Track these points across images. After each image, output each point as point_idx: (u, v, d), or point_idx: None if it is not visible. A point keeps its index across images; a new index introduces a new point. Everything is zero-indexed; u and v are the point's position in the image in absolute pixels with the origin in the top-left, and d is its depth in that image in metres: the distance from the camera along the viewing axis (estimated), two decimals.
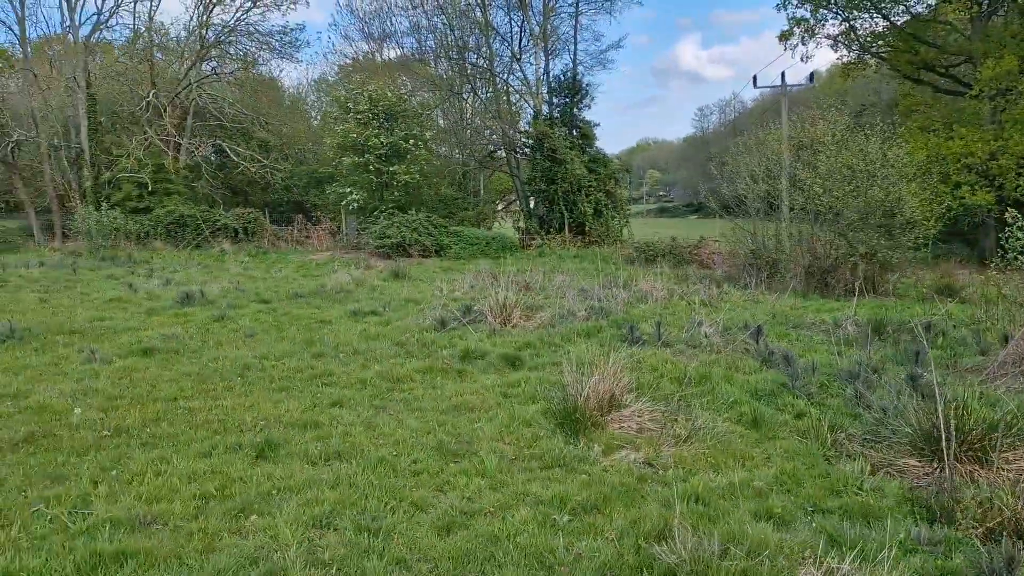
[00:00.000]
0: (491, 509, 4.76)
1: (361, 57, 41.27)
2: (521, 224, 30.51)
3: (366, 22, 40.15)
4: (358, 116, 27.75)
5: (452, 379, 8.26)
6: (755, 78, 40.44)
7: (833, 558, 3.77)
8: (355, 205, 28.39)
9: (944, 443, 5.16)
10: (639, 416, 6.40)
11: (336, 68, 43.59)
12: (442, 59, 36.06)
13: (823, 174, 16.71)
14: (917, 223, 16.61)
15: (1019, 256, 9.09)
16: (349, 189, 28.31)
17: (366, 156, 27.51)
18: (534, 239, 28.09)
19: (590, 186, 28.37)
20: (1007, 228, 9.18)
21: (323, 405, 7.19)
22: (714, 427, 6.24)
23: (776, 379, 7.86)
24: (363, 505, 4.81)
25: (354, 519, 4.58)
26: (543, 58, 32.22)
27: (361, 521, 4.55)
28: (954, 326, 10.90)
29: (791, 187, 18.87)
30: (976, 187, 24.98)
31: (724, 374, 8.10)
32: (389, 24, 41.70)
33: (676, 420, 6.38)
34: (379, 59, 40.32)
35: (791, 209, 18.75)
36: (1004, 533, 4.23)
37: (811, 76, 28.60)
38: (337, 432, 6.29)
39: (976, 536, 4.31)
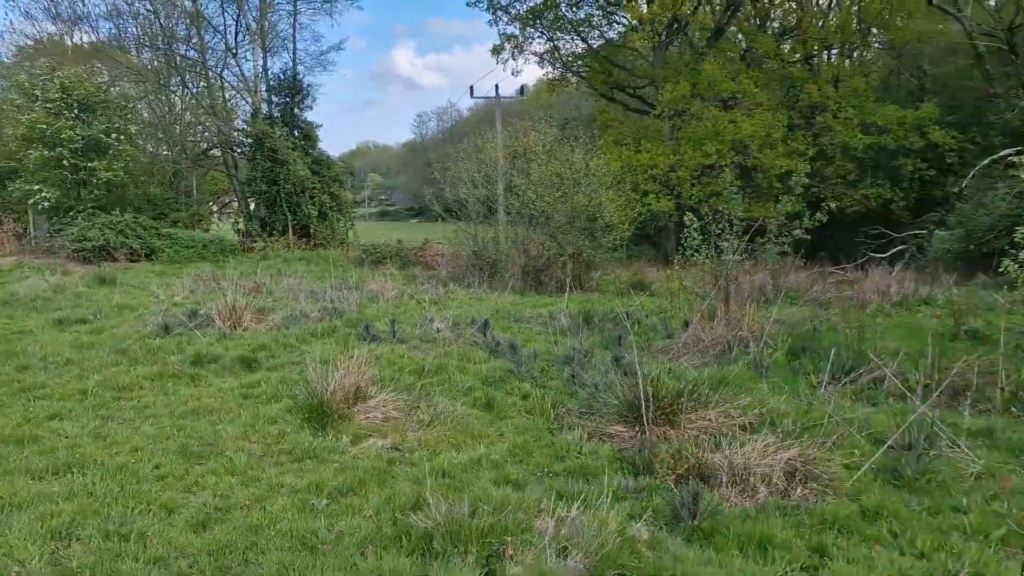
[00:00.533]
0: (247, 503, 4.83)
1: (46, 39, 36.82)
2: (241, 226, 29.26)
3: (53, 0, 35.87)
4: (48, 105, 24.87)
5: (185, 384, 7.97)
6: (472, 89, 42.32)
7: (563, 508, 4.40)
8: (46, 204, 25.38)
9: (644, 410, 6.13)
10: (384, 406, 6.74)
11: (14, 50, 38.42)
12: (147, 48, 33.43)
13: (535, 181, 18.22)
14: (615, 226, 18.72)
15: (695, 253, 10.78)
16: (38, 186, 25.23)
17: (58, 150, 24.73)
18: (256, 242, 27.14)
19: (314, 188, 28.04)
20: (685, 230, 10.82)
21: (39, 419, 6.62)
22: (454, 411, 6.77)
23: (504, 366, 8.62)
24: (107, 512, 4.62)
25: (99, 526, 4.41)
26: (261, 55, 31.19)
27: (108, 527, 4.39)
28: (646, 315, 12.58)
29: (508, 192, 20.29)
30: (660, 195, 28.55)
31: (458, 365, 8.70)
32: (81, 5, 37.59)
33: (419, 407, 6.81)
34: (69, 43, 36.29)
35: (508, 213, 20.16)
36: (690, 476, 5.18)
37: (521, 89, 30.80)
38: (63, 445, 5.87)
39: (670, 481, 5.23)
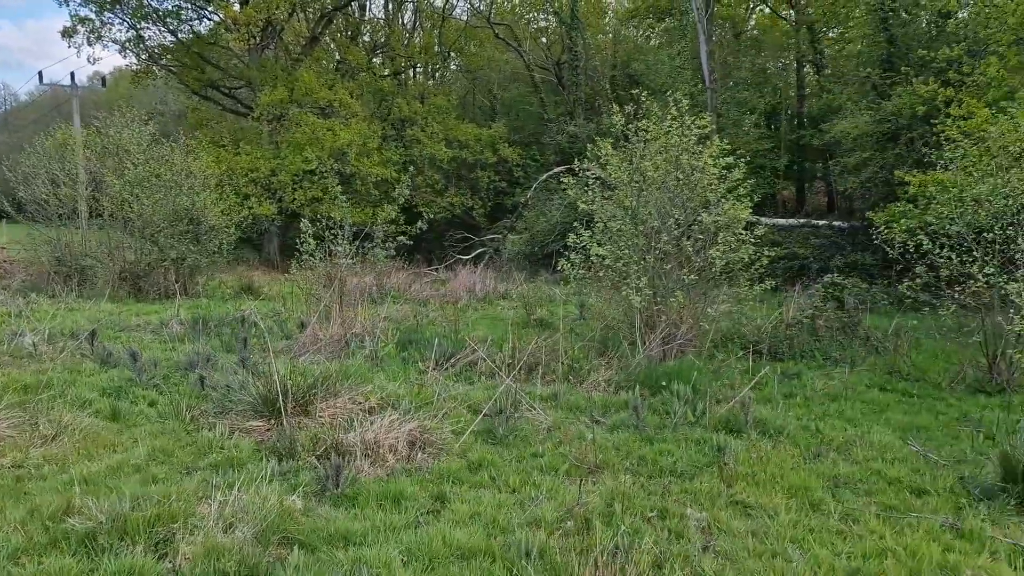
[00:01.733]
0: None
1: None
2: None
3: None
4: None
5: None
6: (40, 74, 37.42)
7: (222, 494, 4.82)
8: None
9: (282, 403, 6.68)
10: None
11: None
12: None
13: (132, 181, 17.18)
14: (220, 229, 18.46)
15: (311, 256, 11.44)
16: None
17: None
18: None
19: None
20: (302, 234, 11.41)
21: None
22: (80, 424, 6.58)
23: (123, 376, 8.42)
24: None
25: None
26: None
27: None
28: (261, 318, 12.91)
29: (100, 193, 18.73)
30: (262, 199, 28.44)
31: (69, 378, 8.27)
32: None
33: (38, 424, 6.48)
34: None
35: (100, 215, 18.62)
36: (330, 454, 5.89)
37: (103, 80, 28.22)
38: None
39: (313, 460, 5.88)
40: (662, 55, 31.90)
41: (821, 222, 23.95)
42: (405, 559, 4.25)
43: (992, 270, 8.91)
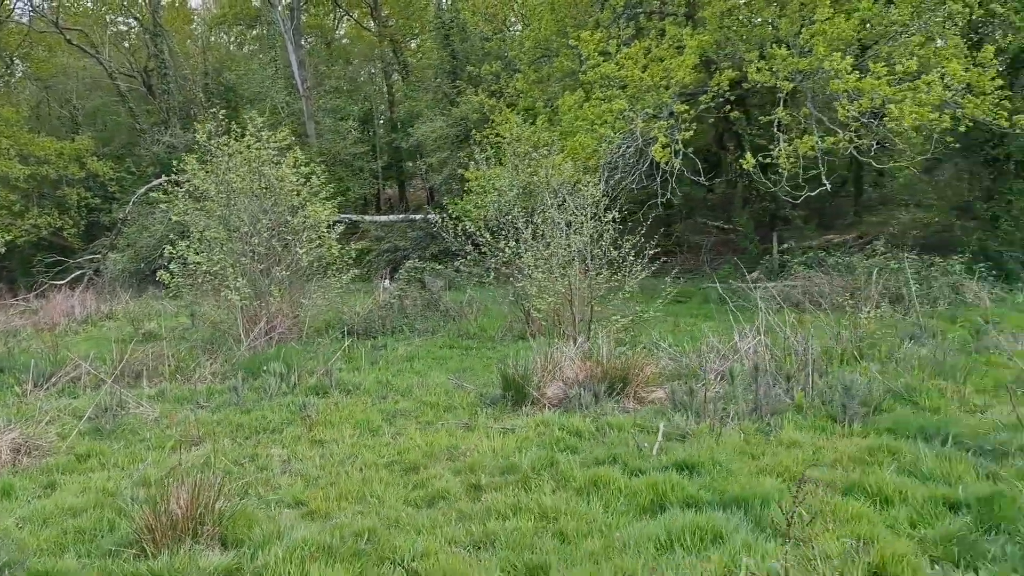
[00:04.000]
0: None
1: None
2: None
3: None
4: None
5: None
6: None
7: None
8: None
9: None
10: None
11: None
12: None
13: None
14: None
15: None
16: None
17: None
18: None
19: None
20: None
21: None
22: None
23: None
24: None
25: None
26: None
27: None
28: None
29: None
30: None
31: None
32: None
33: None
34: None
35: None
36: None
37: None
38: None
39: None
40: (253, 64, 32.51)
41: (417, 216, 26.64)
42: (21, 525, 4.99)
43: (513, 244, 11.60)
